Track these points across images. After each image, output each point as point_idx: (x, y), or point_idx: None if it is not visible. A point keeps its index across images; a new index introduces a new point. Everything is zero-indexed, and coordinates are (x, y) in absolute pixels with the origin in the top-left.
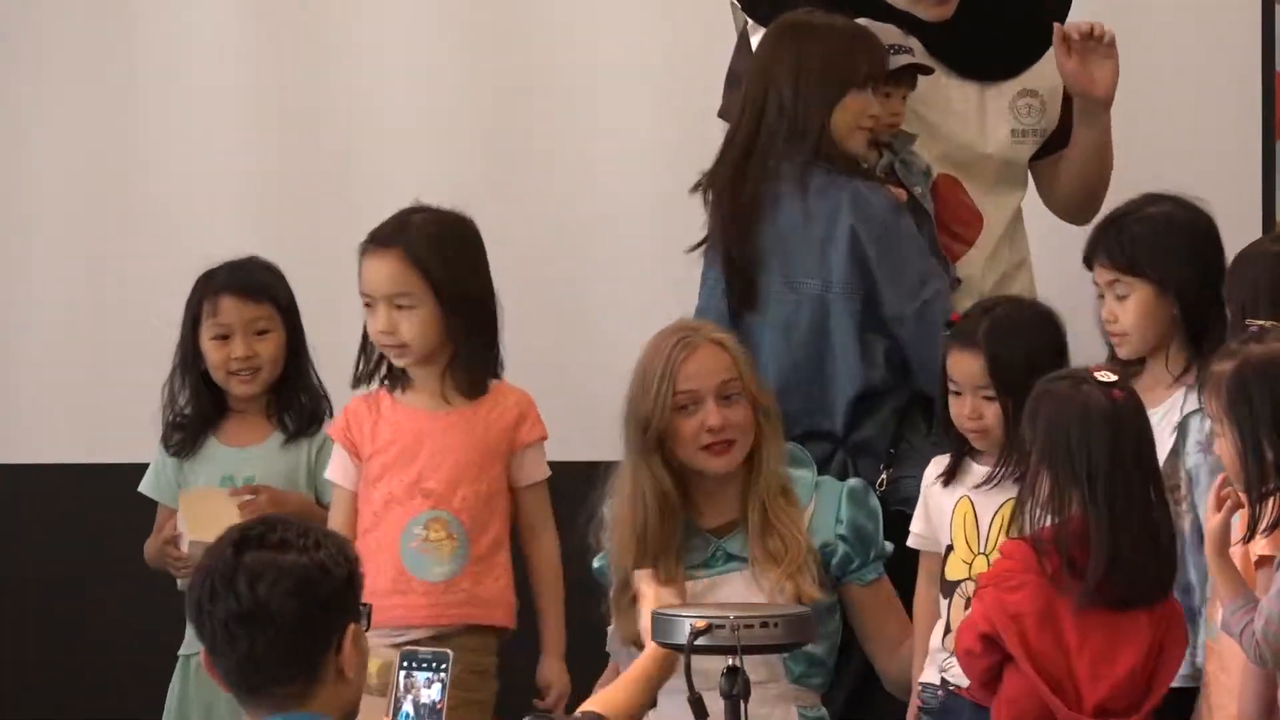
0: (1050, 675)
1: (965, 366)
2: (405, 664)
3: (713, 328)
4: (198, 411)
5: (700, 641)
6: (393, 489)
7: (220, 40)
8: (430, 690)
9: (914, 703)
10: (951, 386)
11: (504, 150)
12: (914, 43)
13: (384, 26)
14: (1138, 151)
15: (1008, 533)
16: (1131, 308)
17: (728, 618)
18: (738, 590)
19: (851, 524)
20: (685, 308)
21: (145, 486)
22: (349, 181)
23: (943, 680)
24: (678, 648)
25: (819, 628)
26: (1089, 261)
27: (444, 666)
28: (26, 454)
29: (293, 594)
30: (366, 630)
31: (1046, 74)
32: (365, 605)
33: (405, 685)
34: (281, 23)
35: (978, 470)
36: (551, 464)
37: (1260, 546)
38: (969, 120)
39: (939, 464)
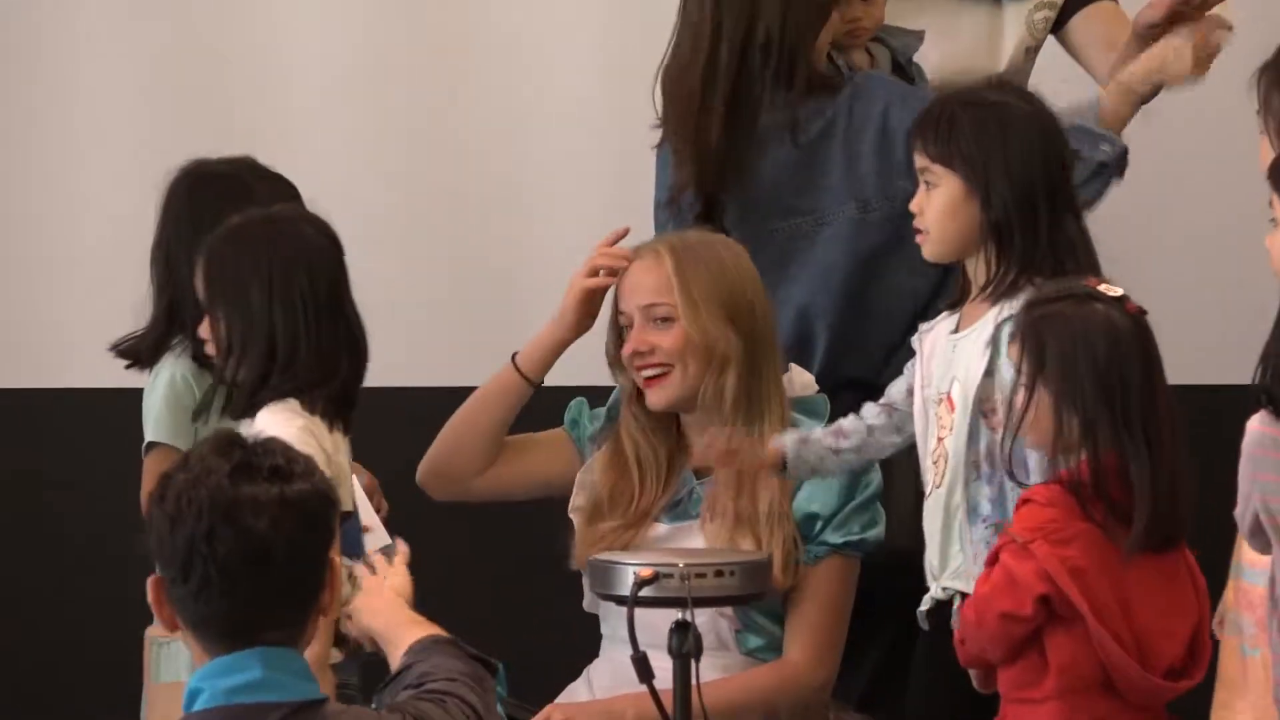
0: (1117, 637)
1: None
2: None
3: (673, 237)
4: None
5: (646, 593)
6: None
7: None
8: None
9: None
10: None
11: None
12: None
13: None
14: None
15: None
16: (936, 201)
17: (677, 565)
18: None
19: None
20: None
21: (164, 434)
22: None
23: None
24: (620, 600)
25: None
26: (909, 141)
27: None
28: None
29: (303, 527)
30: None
31: None
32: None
33: None
34: None
35: None
36: None
37: None
38: (979, 45)
39: None
